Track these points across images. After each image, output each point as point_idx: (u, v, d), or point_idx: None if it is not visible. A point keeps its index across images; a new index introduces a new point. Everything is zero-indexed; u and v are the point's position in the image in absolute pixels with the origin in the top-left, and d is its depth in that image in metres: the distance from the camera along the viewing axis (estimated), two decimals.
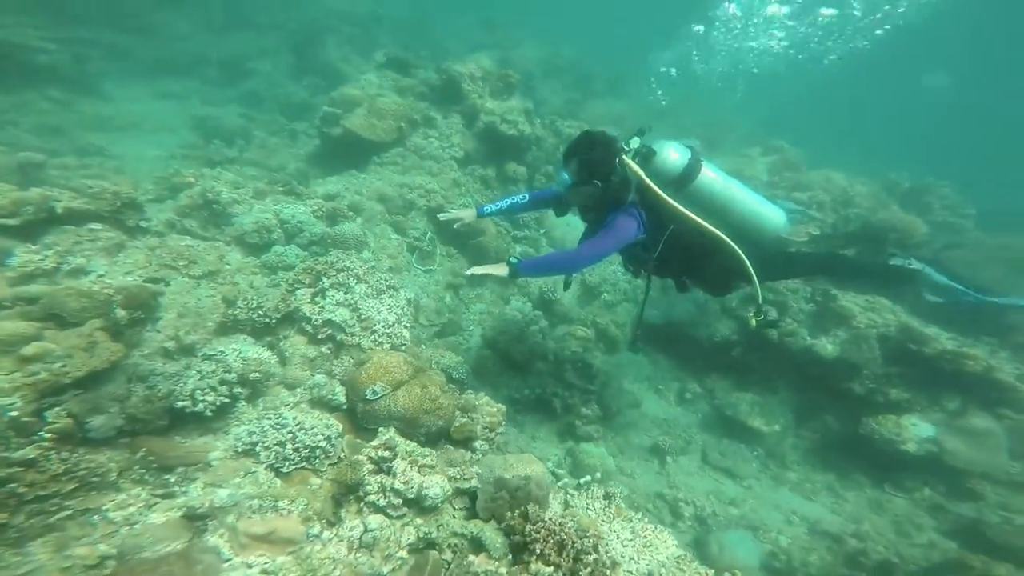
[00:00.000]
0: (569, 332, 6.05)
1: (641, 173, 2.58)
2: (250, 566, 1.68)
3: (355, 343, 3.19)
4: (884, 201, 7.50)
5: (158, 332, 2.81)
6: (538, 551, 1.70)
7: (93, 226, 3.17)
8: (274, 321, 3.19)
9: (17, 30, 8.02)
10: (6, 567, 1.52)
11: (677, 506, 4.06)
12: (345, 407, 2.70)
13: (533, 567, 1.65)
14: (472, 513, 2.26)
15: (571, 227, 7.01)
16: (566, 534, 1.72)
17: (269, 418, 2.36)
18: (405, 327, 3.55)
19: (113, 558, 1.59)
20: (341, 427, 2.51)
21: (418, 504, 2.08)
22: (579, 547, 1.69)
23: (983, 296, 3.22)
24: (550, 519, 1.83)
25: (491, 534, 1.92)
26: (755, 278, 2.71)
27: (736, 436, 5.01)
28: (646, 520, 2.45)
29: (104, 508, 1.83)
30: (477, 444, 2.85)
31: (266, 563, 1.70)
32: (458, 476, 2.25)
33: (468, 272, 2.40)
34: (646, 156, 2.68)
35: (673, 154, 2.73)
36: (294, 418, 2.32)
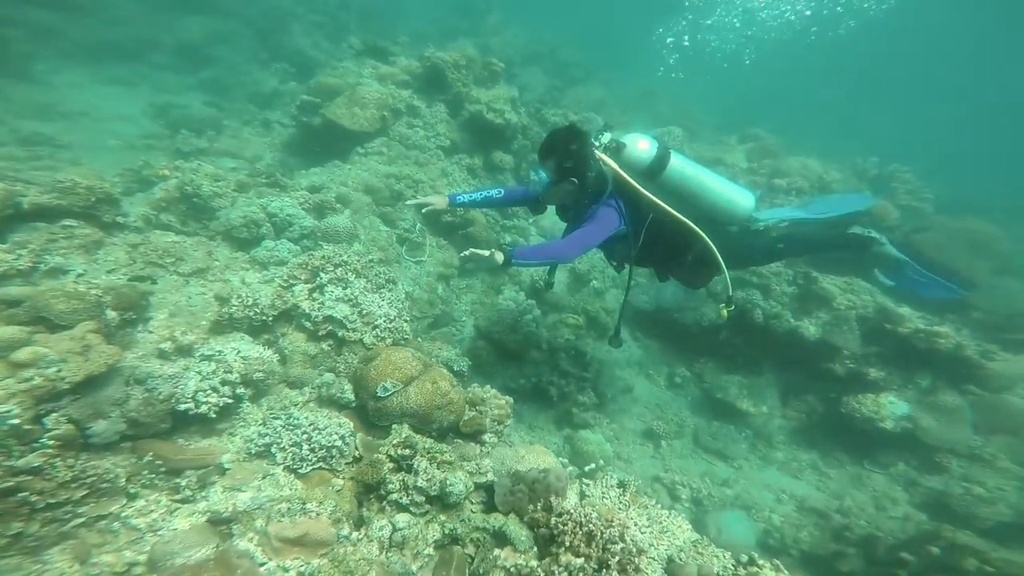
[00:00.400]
0: (560, 320, 6.10)
1: (616, 167, 2.60)
2: (286, 570, 1.64)
3: (357, 339, 3.12)
4: (857, 187, 7.82)
5: (150, 333, 2.67)
6: (567, 543, 1.71)
7: (68, 222, 2.97)
8: (271, 318, 3.08)
9: None
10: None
11: (675, 489, 4.19)
12: (354, 405, 2.65)
13: (563, 558, 1.67)
14: (490, 507, 2.26)
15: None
16: (594, 525, 1.75)
17: (279, 418, 2.29)
18: (405, 321, 3.49)
19: (142, 565, 1.52)
20: (352, 425, 2.46)
21: (441, 501, 2.07)
22: (607, 537, 1.72)
23: (932, 274, 3.48)
24: (576, 511, 1.85)
25: (515, 528, 1.93)
26: (724, 267, 2.77)
27: (725, 418, 5.19)
28: (660, 506, 2.51)
29: (124, 515, 1.75)
30: (486, 437, 2.85)
31: (302, 567, 1.66)
32: (474, 471, 2.24)
33: (463, 254, 2.33)
34: (616, 150, 2.71)
35: (642, 146, 2.76)
36: (307, 418, 2.26)
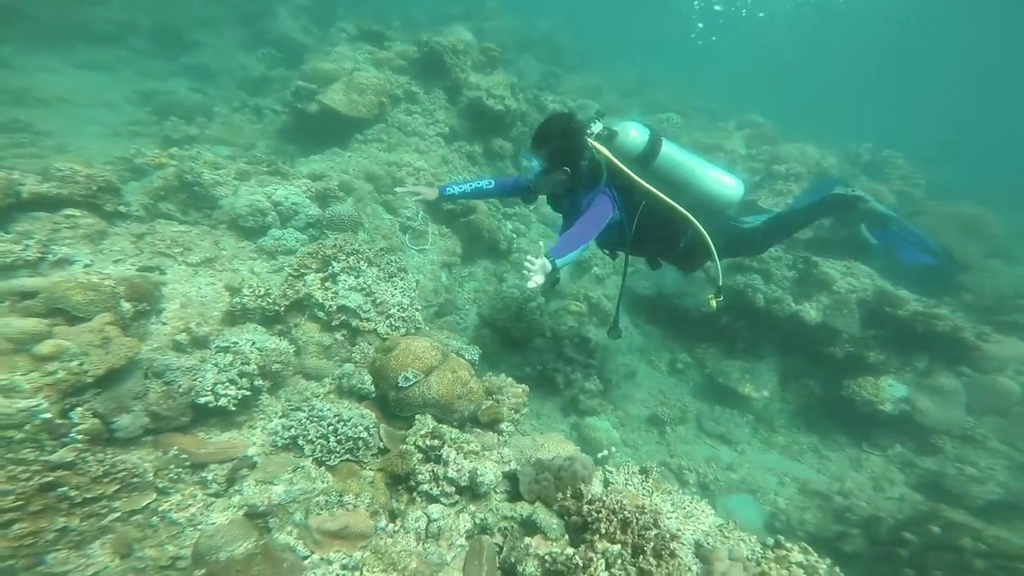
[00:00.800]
0: (563, 307, 6.11)
1: (609, 155, 2.56)
2: (330, 562, 1.64)
3: (371, 329, 3.09)
4: (853, 172, 7.89)
5: (164, 324, 2.62)
6: (603, 530, 1.73)
7: (70, 212, 2.88)
8: (283, 309, 3.03)
9: None
10: (75, 570, 1.43)
11: (682, 474, 4.27)
12: (374, 395, 2.63)
13: (599, 545, 1.68)
14: (514, 496, 2.27)
15: None
16: (628, 512, 1.76)
17: (303, 410, 2.27)
18: (417, 310, 3.47)
19: (187, 559, 1.51)
20: (374, 416, 2.45)
21: (471, 491, 2.08)
22: (642, 523, 1.74)
23: (914, 229, 3.55)
24: (608, 498, 1.87)
25: (544, 516, 1.95)
26: (716, 256, 2.77)
27: (727, 403, 5.27)
28: (681, 491, 2.55)
29: (162, 509, 1.73)
30: (503, 426, 2.86)
31: (344, 559, 1.66)
32: (499, 460, 2.25)
33: (530, 284, 2.04)
34: (608, 138, 2.68)
35: (633, 133, 2.74)
36: (331, 410, 2.24)
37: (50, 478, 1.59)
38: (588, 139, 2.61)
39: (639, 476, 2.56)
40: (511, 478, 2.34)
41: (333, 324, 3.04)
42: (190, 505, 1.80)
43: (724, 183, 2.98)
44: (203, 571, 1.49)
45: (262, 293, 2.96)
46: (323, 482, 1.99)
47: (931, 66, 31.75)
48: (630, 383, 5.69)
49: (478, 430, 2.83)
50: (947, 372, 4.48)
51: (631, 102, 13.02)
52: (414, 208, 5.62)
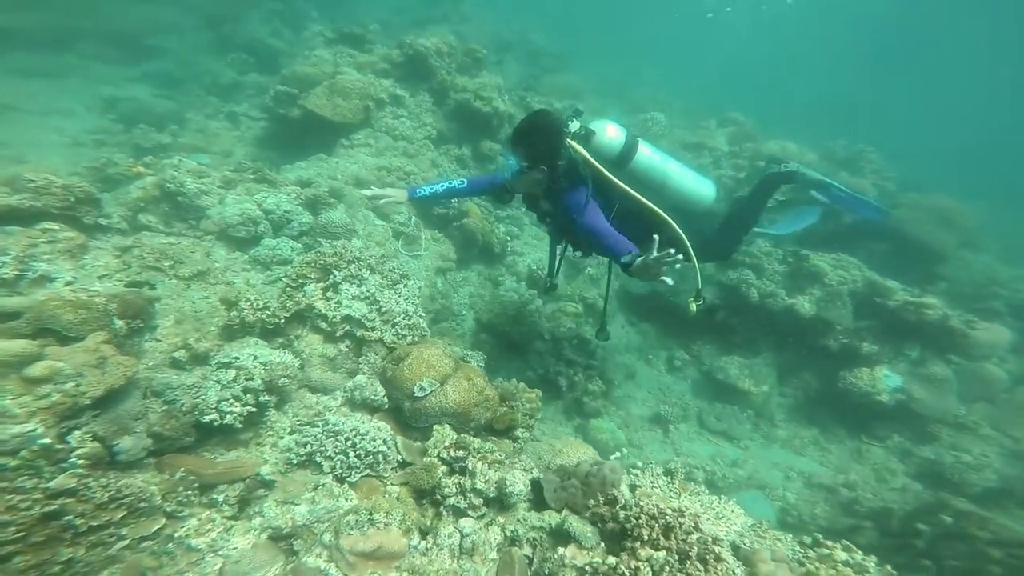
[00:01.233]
0: (560, 309, 6.10)
1: (587, 155, 2.54)
2: None
3: (377, 338, 3.00)
4: (832, 169, 8.15)
5: (159, 341, 2.48)
6: (645, 536, 1.69)
7: (47, 225, 2.71)
8: (283, 321, 2.92)
9: None
10: None
11: (690, 473, 4.28)
12: (387, 406, 2.55)
13: (643, 553, 1.65)
14: (538, 504, 2.22)
15: None
16: (670, 516, 1.73)
17: (317, 425, 2.18)
18: (421, 317, 3.39)
19: None
20: (390, 428, 2.37)
21: (500, 502, 2.02)
22: (684, 527, 1.71)
23: (855, 194, 3.78)
24: (645, 503, 1.84)
25: (577, 524, 1.90)
26: (695, 259, 2.71)
27: (727, 399, 5.34)
28: (708, 492, 2.54)
29: (179, 535, 1.62)
30: (519, 432, 2.81)
31: None
32: (525, 468, 2.20)
33: (669, 281, 2.00)
34: (586, 137, 2.67)
35: (611, 133, 2.74)
36: (347, 424, 2.15)
37: (52, 506, 1.48)
38: (566, 138, 2.57)
39: (665, 478, 2.54)
40: (534, 486, 2.29)
41: (337, 335, 2.94)
42: (209, 530, 1.69)
43: (698, 185, 3.02)
44: None
45: (261, 306, 2.85)
46: (347, 500, 1.91)
47: (904, 64, 33.29)
48: (630, 383, 5.71)
49: (493, 438, 2.77)
50: (938, 360, 4.65)
51: (611, 103, 13.19)
52: (406, 213, 5.54)
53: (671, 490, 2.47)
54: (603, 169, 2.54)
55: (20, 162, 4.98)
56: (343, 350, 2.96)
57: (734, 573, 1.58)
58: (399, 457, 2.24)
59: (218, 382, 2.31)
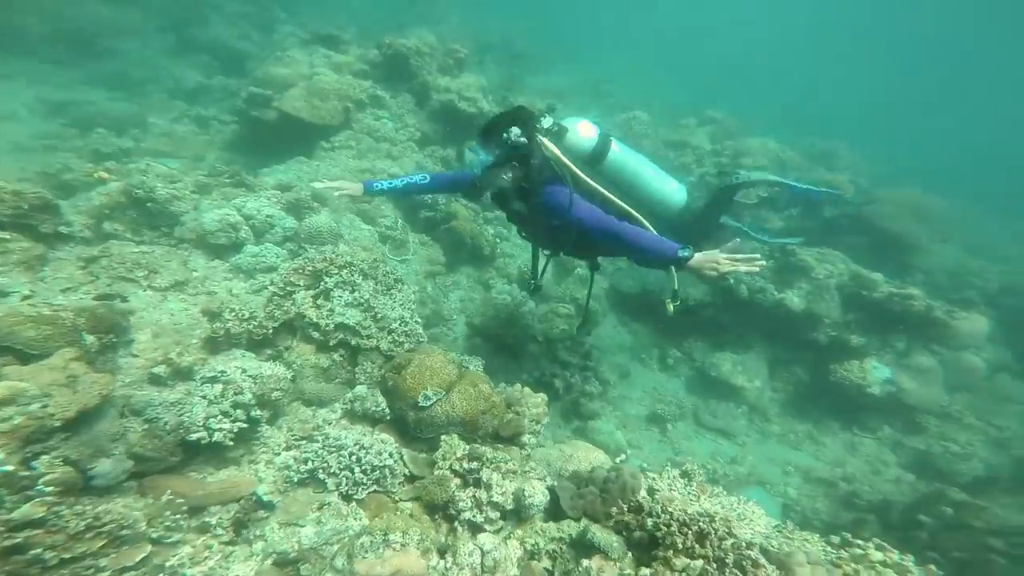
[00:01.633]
0: (552, 310, 6.03)
1: (559, 152, 2.48)
2: None
3: (373, 347, 2.87)
4: (811, 165, 8.39)
5: (135, 356, 2.30)
6: (678, 545, 1.62)
7: (1, 235, 2.48)
8: (271, 331, 2.76)
9: None
10: None
11: (691, 472, 4.26)
12: (389, 417, 2.42)
13: (678, 563, 1.57)
14: (554, 514, 2.13)
15: None
16: (704, 523, 1.66)
17: (317, 440, 2.03)
18: (418, 323, 3.27)
19: None
20: (393, 440, 2.25)
21: (517, 514, 1.92)
22: (719, 533, 1.65)
23: (800, 184, 3.88)
24: (673, 508, 1.76)
25: (600, 534, 1.82)
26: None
27: (721, 395, 5.38)
28: (727, 493, 2.50)
29: (171, 563, 1.47)
30: (525, 438, 2.72)
31: None
32: (538, 476, 2.11)
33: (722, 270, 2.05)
34: (558, 134, 2.61)
35: (584, 131, 2.69)
36: (349, 437, 2.02)
37: (15, 540, 1.30)
38: (538, 134, 2.50)
39: (681, 480, 2.49)
40: (550, 494, 2.20)
41: (330, 344, 2.79)
42: (206, 557, 1.54)
43: (669, 189, 2.98)
44: None
45: (246, 316, 2.68)
46: (356, 519, 1.78)
47: (874, 61, 34.76)
48: (625, 383, 5.69)
49: (500, 445, 2.67)
50: (923, 351, 4.78)
51: (592, 102, 13.29)
52: (392, 216, 5.40)
53: (690, 493, 2.42)
54: (573, 167, 2.47)
55: None
56: (337, 360, 2.81)
57: None
58: (406, 471, 2.12)
59: (204, 398, 2.15)
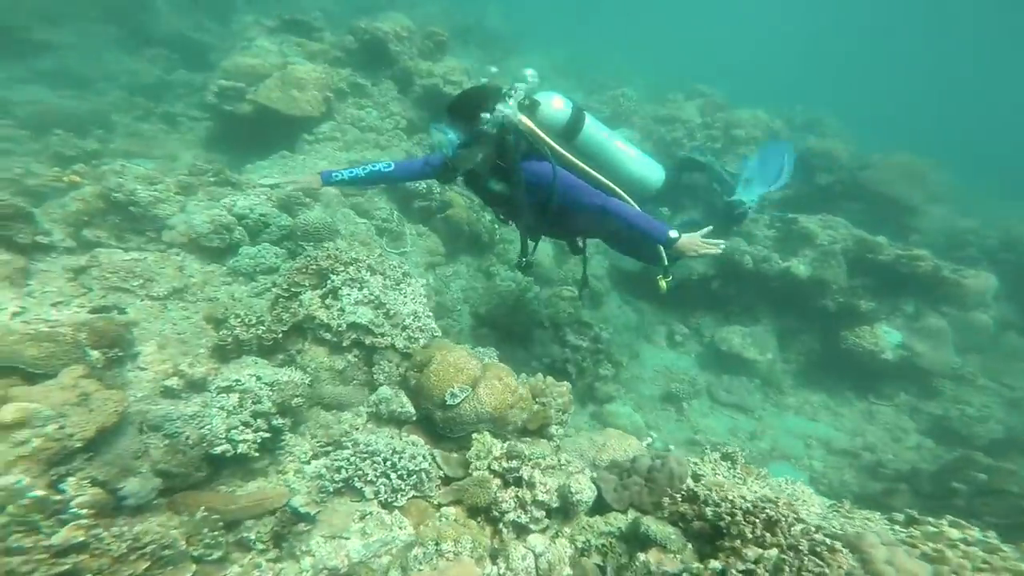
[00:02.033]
0: (555, 294, 6.00)
1: (533, 126, 2.41)
2: None
3: (388, 344, 2.79)
4: (800, 133, 8.42)
5: (143, 370, 2.20)
6: (747, 534, 1.59)
7: None
8: (281, 335, 2.66)
9: None
10: None
11: (734, 455, 4.29)
12: (415, 418, 2.36)
13: (749, 553, 1.54)
14: (598, 507, 2.09)
15: None
16: (771, 509, 1.62)
17: (347, 446, 1.97)
18: (430, 317, 3.19)
19: None
20: (423, 442, 2.20)
21: (563, 512, 1.89)
22: (789, 520, 1.61)
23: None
24: (733, 495, 1.73)
25: (655, 526, 1.79)
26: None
27: (733, 370, 5.43)
28: (773, 475, 2.47)
29: None
30: (553, 429, 2.69)
31: None
32: (576, 469, 2.07)
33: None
34: (530, 108, 2.52)
35: (556, 104, 2.61)
36: (381, 442, 1.96)
37: (64, 566, 1.24)
38: (511, 108, 2.38)
39: (725, 463, 2.46)
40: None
41: (344, 345, 2.71)
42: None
43: (647, 168, 2.92)
44: None
45: (253, 321, 2.57)
46: (400, 528, 1.73)
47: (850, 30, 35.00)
48: (635, 363, 5.71)
49: (527, 439, 2.64)
50: (932, 313, 4.86)
51: (574, 82, 13.11)
52: (387, 208, 5.26)
53: (735, 476, 2.39)
54: (549, 140, 2.41)
55: None
56: (352, 360, 2.73)
57: (850, 564, 1.49)
58: (441, 472, 2.07)
59: (222, 408, 2.06)
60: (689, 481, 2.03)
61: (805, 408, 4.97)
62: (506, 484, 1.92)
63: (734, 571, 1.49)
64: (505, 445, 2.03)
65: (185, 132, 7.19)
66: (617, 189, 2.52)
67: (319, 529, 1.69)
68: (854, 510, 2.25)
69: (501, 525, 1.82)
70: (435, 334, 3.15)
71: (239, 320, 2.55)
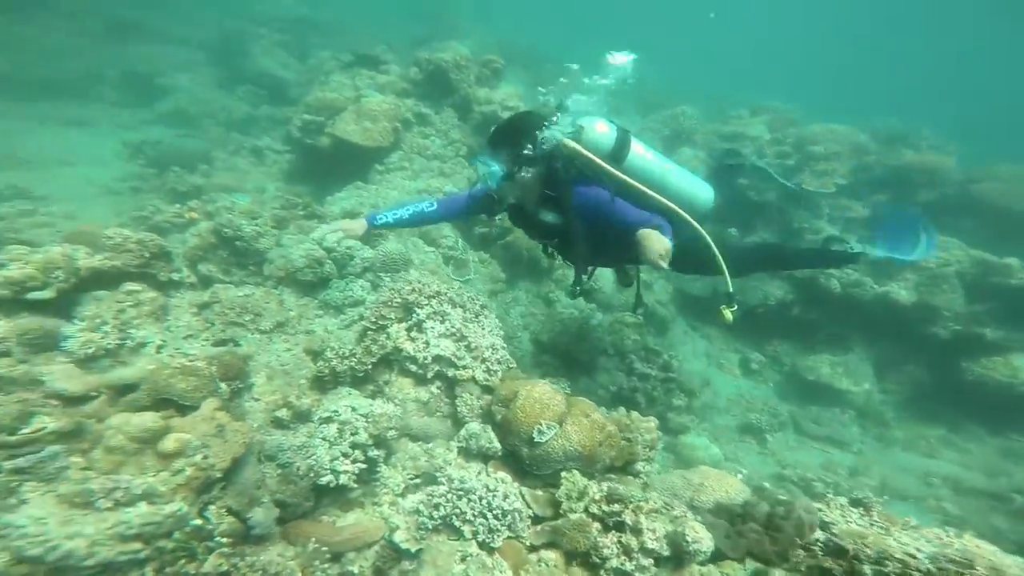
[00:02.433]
0: (618, 320, 5.92)
1: (584, 151, 2.35)
2: None
3: (468, 377, 2.89)
4: (889, 147, 7.77)
5: (256, 400, 2.43)
6: None
7: (131, 287, 2.69)
8: (370, 366, 2.84)
9: None
10: None
11: (810, 486, 4.02)
12: (500, 454, 2.43)
13: None
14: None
15: None
16: (946, 568, 1.47)
17: (442, 482, 2.07)
18: (504, 348, 3.28)
19: None
20: (511, 479, 2.25)
21: (675, 561, 1.86)
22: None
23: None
24: (903, 552, 1.59)
25: None
26: (724, 262, 2.50)
27: (820, 400, 5.08)
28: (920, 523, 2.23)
29: None
30: (639, 466, 2.65)
31: None
32: (681, 515, 2.03)
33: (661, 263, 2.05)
34: (575, 134, 2.47)
35: (601, 128, 2.55)
36: (477, 480, 2.04)
37: None
38: (558, 134, 2.38)
39: (856, 510, 2.24)
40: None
41: (428, 377, 2.85)
42: None
43: (695, 188, 2.82)
44: None
45: (346, 353, 2.78)
46: (500, 572, 1.78)
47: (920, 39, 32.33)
48: (707, 391, 5.49)
49: (612, 475, 2.62)
50: None
51: (625, 102, 12.98)
52: (453, 236, 5.48)
53: (875, 525, 2.17)
54: (603, 163, 2.36)
55: (71, 218, 5.12)
56: (435, 392, 2.86)
57: None
58: (530, 512, 2.11)
59: (324, 439, 2.23)
60: (819, 531, 1.90)
61: (918, 443, 4.51)
62: (606, 528, 1.92)
63: None
64: (605, 487, 2.03)
65: (270, 165, 7.92)
66: (674, 207, 2.47)
67: (424, 570, 1.78)
68: None
69: (602, 572, 1.82)
70: (511, 365, 3.23)
71: (334, 352, 2.76)
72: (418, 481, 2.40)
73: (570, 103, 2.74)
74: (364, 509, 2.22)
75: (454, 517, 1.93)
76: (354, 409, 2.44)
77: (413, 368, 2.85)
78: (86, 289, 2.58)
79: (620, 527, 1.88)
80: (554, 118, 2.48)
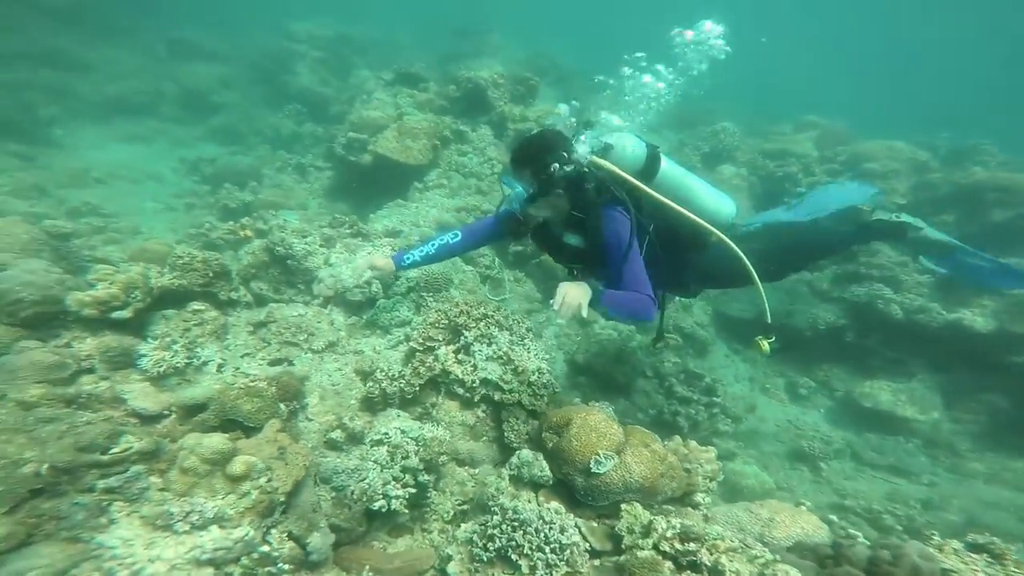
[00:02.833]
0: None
1: (616, 169, 2.25)
2: None
3: (514, 401, 2.88)
4: (953, 166, 7.33)
5: (310, 421, 2.48)
6: None
7: (196, 307, 2.81)
8: (418, 388, 2.87)
9: None
10: None
11: (878, 519, 3.76)
12: (552, 483, 2.38)
13: None
14: None
15: None
16: None
17: (495, 512, 2.04)
18: (550, 372, 3.25)
19: None
20: (565, 509, 2.20)
21: None
22: None
23: (996, 259, 2.90)
24: None
25: None
26: (758, 280, 2.40)
27: (879, 428, 4.80)
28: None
29: None
30: (699, 497, 2.56)
31: None
32: (760, 554, 1.92)
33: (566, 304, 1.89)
34: (603, 152, 2.38)
35: (630, 146, 2.46)
36: (532, 511, 2.01)
37: None
38: (586, 153, 2.29)
39: (978, 556, 1.99)
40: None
41: (475, 400, 2.85)
42: None
43: (718, 201, 2.74)
44: None
45: (395, 375, 2.81)
46: None
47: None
48: (753, 417, 5.28)
49: (669, 507, 2.53)
50: None
51: (662, 119, 12.79)
52: (490, 256, 5.51)
53: (997, 572, 1.97)
54: (636, 182, 2.29)
55: (136, 233, 5.44)
56: (481, 416, 2.86)
57: None
58: (587, 545, 2.06)
59: (376, 463, 2.25)
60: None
61: (1005, 475, 4.17)
62: (679, 568, 1.84)
63: None
64: (677, 523, 1.95)
65: (313, 181, 8.20)
66: (706, 224, 2.41)
67: None
68: None
69: None
70: (556, 390, 3.19)
71: (383, 374, 2.80)
72: (466, 507, 2.38)
73: (600, 118, 2.71)
74: (413, 535, 2.22)
75: (510, 550, 1.90)
76: (404, 432, 2.45)
77: (460, 391, 2.85)
78: (155, 308, 2.72)
79: (696, 568, 1.80)
80: (582, 136, 2.40)
